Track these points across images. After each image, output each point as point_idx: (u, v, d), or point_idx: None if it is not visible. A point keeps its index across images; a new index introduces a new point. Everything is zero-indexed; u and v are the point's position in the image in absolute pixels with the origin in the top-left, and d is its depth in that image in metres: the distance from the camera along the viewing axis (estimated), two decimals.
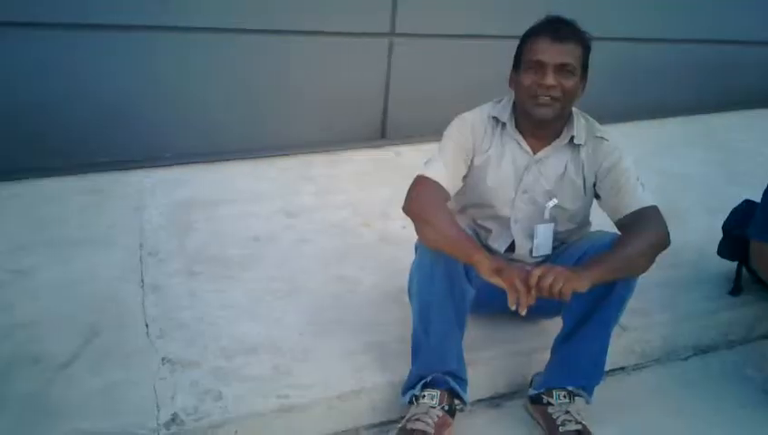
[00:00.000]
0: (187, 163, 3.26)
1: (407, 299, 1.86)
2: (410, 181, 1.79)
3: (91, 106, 3.06)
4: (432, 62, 3.64)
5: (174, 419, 1.66)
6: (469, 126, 1.85)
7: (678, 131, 4.19)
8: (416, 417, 1.73)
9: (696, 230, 2.73)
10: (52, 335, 1.93)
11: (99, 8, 2.94)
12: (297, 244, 2.57)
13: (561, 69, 1.70)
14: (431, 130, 3.53)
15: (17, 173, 2.90)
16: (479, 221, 1.93)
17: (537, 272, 1.56)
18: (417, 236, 1.75)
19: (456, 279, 1.72)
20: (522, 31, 1.79)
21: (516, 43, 1.80)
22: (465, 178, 1.84)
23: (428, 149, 3.46)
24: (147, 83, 3.15)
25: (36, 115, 2.97)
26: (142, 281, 2.25)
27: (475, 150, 1.84)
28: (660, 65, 4.20)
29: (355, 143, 3.52)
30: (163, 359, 1.87)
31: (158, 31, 3.07)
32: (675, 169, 3.51)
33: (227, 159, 3.33)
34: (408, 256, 1.82)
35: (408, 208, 1.76)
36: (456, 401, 1.78)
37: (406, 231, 2.58)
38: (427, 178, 1.77)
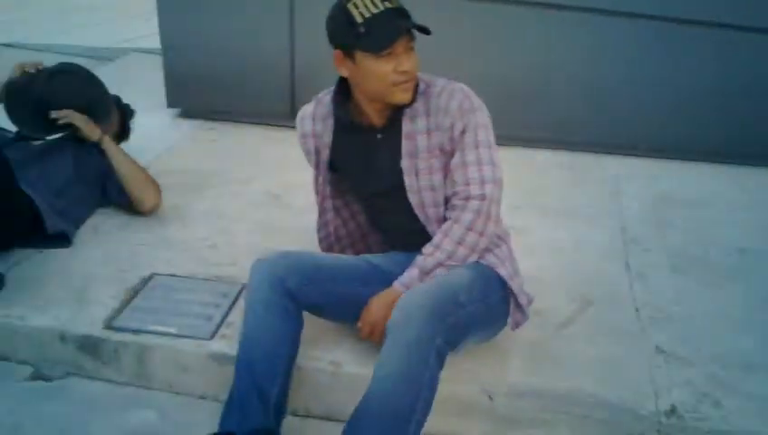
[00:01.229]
0: (659, 157, 3.21)
1: None
2: None
3: (579, 86, 3.22)
4: None
5: (673, 410, 1.66)
6: None
7: None
8: None
9: None
10: (550, 294, 2.09)
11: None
12: None
13: None
14: None
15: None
16: None
17: None
18: None
19: None
20: None
21: None
22: None
23: None
24: (634, 71, 3.16)
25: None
26: (627, 265, 2.29)
27: None
28: None
29: None
30: (656, 347, 1.89)
31: (658, 21, 3.05)
32: None
33: (701, 160, 3.18)
34: None
35: None
36: None
37: None
38: None
